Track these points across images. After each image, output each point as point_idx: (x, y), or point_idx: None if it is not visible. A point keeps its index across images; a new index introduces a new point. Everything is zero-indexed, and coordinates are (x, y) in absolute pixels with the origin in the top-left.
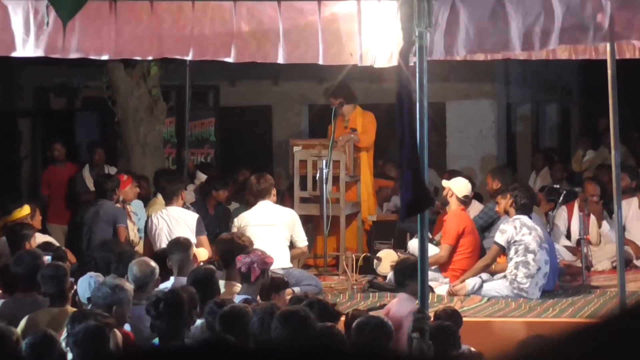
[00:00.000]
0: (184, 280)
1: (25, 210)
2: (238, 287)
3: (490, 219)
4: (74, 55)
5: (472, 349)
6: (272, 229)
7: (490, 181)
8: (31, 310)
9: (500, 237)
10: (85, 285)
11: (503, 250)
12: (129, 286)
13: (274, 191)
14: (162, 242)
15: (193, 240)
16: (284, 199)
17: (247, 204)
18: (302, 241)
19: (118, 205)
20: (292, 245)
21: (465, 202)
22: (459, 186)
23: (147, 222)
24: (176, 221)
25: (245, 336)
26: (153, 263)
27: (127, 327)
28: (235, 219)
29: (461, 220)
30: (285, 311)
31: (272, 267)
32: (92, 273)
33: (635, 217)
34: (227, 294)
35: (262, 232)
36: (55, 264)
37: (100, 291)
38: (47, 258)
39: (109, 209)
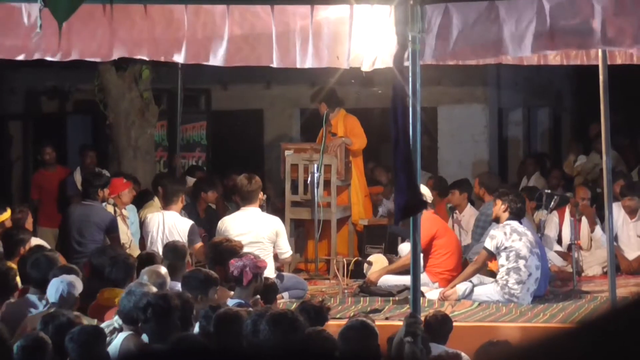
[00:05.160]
0: (176, 284)
1: (7, 214)
2: (230, 292)
3: (490, 224)
4: (67, 57)
5: (450, 350)
6: (253, 241)
7: (478, 186)
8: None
9: (489, 243)
10: (54, 289)
11: (492, 256)
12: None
13: (261, 195)
14: (155, 246)
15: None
16: (275, 205)
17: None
18: (285, 252)
19: (109, 207)
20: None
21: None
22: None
23: (143, 221)
24: (169, 230)
25: (240, 339)
26: (164, 271)
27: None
28: (219, 223)
29: (432, 224)
30: (274, 314)
31: None
32: (63, 276)
33: (624, 221)
34: (219, 298)
35: (243, 242)
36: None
37: (132, 298)
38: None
39: (99, 214)
